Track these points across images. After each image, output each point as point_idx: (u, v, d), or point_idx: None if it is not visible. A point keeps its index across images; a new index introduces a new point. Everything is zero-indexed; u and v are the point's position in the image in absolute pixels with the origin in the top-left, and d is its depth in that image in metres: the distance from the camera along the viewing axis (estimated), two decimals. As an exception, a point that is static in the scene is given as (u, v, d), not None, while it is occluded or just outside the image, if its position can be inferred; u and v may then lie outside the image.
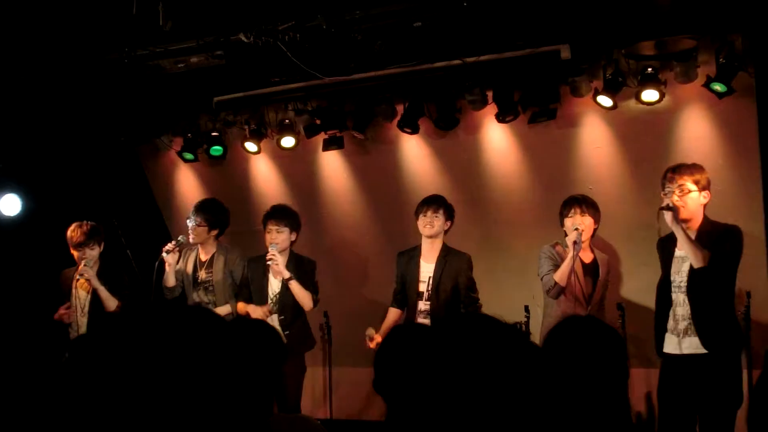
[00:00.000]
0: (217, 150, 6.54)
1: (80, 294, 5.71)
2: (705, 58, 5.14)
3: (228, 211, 5.82)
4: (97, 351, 1.84)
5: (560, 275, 4.93)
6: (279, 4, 4.83)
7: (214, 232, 5.70)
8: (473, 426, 1.16)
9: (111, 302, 5.56)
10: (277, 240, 5.40)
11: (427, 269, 5.36)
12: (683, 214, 4.43)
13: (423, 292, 5.35)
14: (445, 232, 5.41)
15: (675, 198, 4.42)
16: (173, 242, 5.61)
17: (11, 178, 6.40)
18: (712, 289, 4.37)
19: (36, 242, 6.40)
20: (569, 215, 5.02)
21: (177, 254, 5.64)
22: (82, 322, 5.66)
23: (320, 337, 5.98)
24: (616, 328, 4.32)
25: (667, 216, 4.40)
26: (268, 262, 5.33)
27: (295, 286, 5.35)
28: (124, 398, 1.52)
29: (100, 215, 5.92)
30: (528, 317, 5.36)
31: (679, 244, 4.46)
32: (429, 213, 5.34)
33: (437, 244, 5.37)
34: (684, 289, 4.45)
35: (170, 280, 5.63)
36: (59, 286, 5.77)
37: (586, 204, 5.05)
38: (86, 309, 5.63)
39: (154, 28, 4.57)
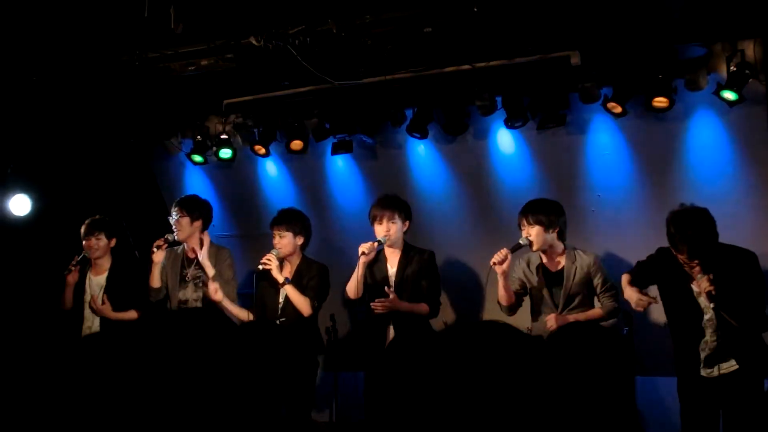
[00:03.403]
0: (226, 153, 6.55)
1: (93, 283, 5.71)
2: (716, 65, 5.12)
3: (209, 205, 5.78)
4: (106, 351, 1.84)
5: (498, 297, 4.94)
6: (290, 7, 4.83)
7: (198, 224, 5.61)
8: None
9: (126, 317, 5.58)
10: (280, 245, 5.37)
11: (392, 272, 5.30)
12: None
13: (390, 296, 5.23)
14: (405, 233, 5.31)
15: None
16: (162, 239, 5.55)
17: (21, 178, 6.44)
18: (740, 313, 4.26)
19: (45, 242, 6.43)
20: (521, 227, 4.91)
21: (164, 252, 5.57)
22: (92, 317, 5.64)
23: (326, 341, 5.96)
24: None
25: (705, 298, 4.19)
26: (260, 267, 5.30)
27: (290, 291, 5.30)
28: (131, 398, 1.52)
29: (109, 216, 5.94)
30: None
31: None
32: (384, 221, 5.22)
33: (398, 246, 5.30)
34: (711, 322, 4.32)
35: (156, 280, 5.55)
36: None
37: (532, 212, 4.86)
38: (99, 300, 5.62)
39: (165, 31, 4.58)
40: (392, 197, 5.34)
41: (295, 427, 2.48)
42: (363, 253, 5.14)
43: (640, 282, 4.53)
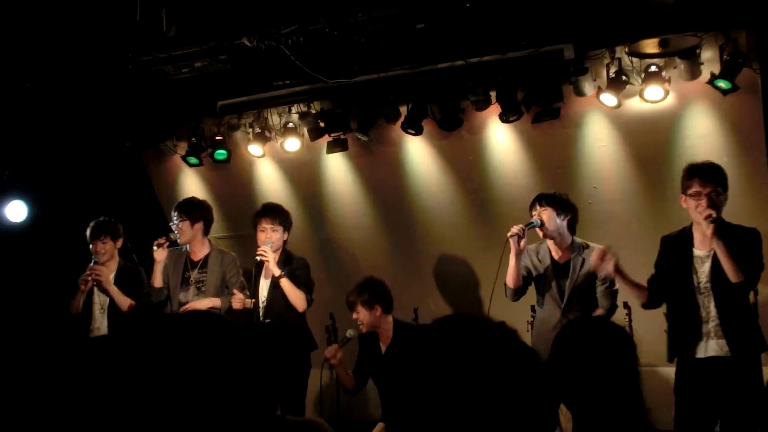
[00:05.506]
0: (221, 154, 6.55)
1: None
2: (709, 55, 5.14)
3: (208, 207, 5.75)
4: (108, 354, 1.85)
5: (507, 277, 4.87)
6: (282, 7, 4.84)
7: (198, 226, 5.57)
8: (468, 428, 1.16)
9: (123, 302, 5.54)
10: (273, 238, 5.36)
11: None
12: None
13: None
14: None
15: (710, 209, 4.10)
16: (164, 237, 5.51)
17: (17, 184, 6.43)
18: (740, 293, 4.22)
19: (42, 248, 6.42)
20: (532, 211, 4.91)
21: (166, 251, 5.51)
22: (100, 319, 5.63)
23: (326, 339, 5.98)
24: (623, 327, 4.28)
25: (709, 229, 4.10)
26: (258, 258, 5.30)
27: (286, 284, 5.30)
28: (131, 399, 1.53)
29: (112, 218, 5.91)
30: (534, 317, 5.34)
31: (718, 254, 4.16)
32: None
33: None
34: (707, 290, 4.24)
35: (158, 279, 5.50)
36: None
37: (546, 197, 4.88)
38: (105, 306, 5.59)
39: (158, 34, 4.58)
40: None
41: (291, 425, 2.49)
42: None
43: (654, 283, 4.50)
